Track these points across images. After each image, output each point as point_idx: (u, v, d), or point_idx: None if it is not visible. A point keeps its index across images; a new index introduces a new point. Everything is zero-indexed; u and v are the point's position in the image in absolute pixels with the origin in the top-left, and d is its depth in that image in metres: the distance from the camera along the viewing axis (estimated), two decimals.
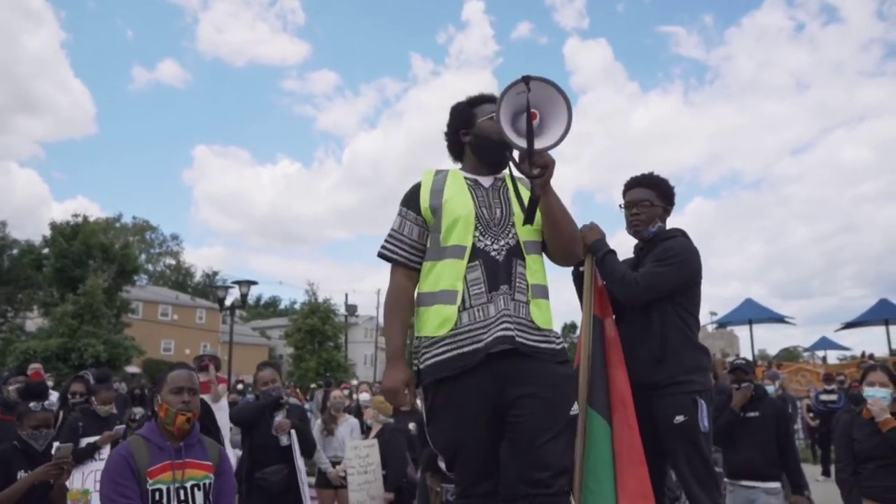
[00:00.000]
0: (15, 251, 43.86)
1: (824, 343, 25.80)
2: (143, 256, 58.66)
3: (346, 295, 41.27)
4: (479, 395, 2.29)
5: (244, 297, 18.36)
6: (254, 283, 18.58)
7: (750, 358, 23.20)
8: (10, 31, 69.62)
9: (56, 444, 3.86)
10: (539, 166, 2.20)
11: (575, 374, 2.39)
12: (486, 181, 2.53)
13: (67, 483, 4.13)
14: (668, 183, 3.27)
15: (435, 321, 2.37)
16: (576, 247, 2.54)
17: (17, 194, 76.83)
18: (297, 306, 54.46)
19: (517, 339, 2.29)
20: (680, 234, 3.17)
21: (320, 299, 39.96)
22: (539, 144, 2.18)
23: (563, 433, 2.31)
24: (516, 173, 2.46)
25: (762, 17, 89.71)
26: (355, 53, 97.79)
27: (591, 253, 3.12)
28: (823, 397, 11.35)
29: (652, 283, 2.94)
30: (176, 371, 2.92)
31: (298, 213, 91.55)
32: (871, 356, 17.55)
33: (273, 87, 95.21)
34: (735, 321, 22.07)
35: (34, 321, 36.18)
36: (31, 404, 4.04)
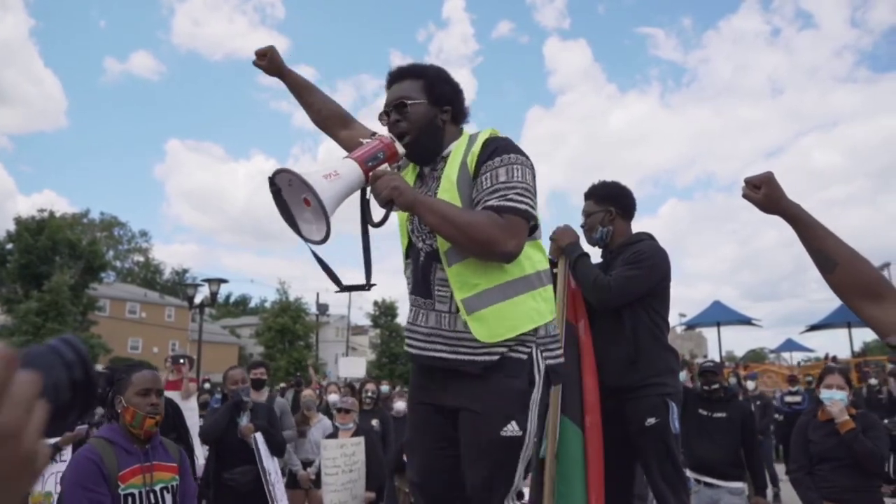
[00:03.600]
0: None
1: (790, 345, 26.27)
2: (111, 253, 57.69)
3: (318, 294, 40.95)
4: (425, 408, 2.28)
5: (214, 295, 18.10)
6: (224, 281, 18.33)
7: (717, 359, 23.54)
8: None
9: None
10: (384, 203, 2.01)
11: (521, 388, 2.08)
12: (427, 169, 2.32)
13: None
14: (607, 187, 3.29)
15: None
16: (473, 248, 2.02)
17: None
18: (267, 305, 54.02)
19: (432, 355, 2.16)
20: (647, 238, 3.20)
21: (291, 298, 39.69)
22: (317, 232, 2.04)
23: (482, 460, 2.08)
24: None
25: (739, 21, 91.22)
26: (334, 49, 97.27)
27: (565, 256, 3.14)
28: (788, 398, 11.54)
29: (624, 286, 2.96)
30: (141, 372, 2.82)
31: (272, 210, 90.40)
32: (834, 358, 17.91)
33: (249, 82, 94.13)
34: (703, 323, 22.34)
35: None
36: None
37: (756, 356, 43.02)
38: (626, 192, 3.31)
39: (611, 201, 3.25)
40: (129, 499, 2.60)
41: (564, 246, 3.15)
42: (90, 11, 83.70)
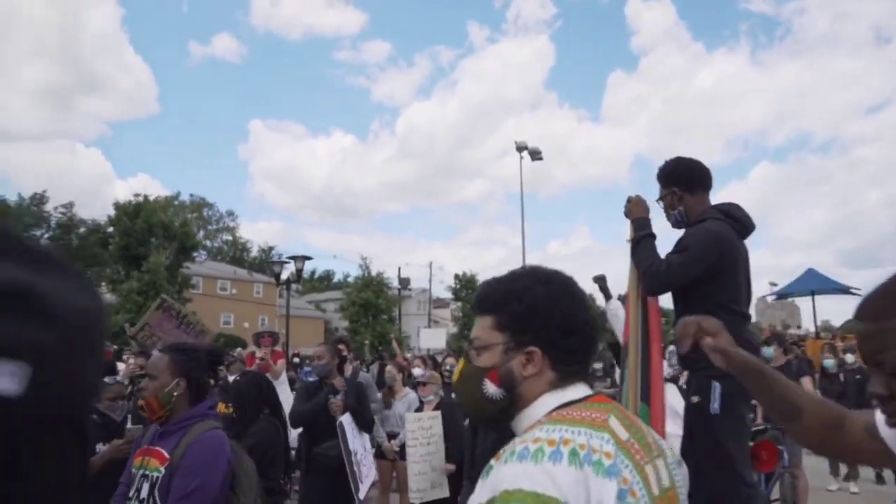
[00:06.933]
0: (82, 230, 45.76)
1: None
2: (202, 233, 60.27)
3: (399, 268, 41.54)
4: None
5: (299, 271, 18.68)
6: (308, 258, 18.89)
7: (812, 330, 22.57)
8: (72, 12, 71.81)
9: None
10: None
11: None
12: None
13: None
14: (667, 167, 3.19)
15: None
16: None
17: (83, 174, 79.69)
18: (350, 279, 55.31)
19: None
20: (710, 218, 3.05)
21: (373, 273, 40.47)
22: None
23: None
24: None
25: None
26: (410, 22, 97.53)
27: (633, 230, 3.12)
28: None
29: (669, 275, 2.94)
30: None
31: (353, 186, 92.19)
32: None
33: (327, 59, 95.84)
34: (796, 292, 21.42)
35: (103, 297, 37.66)
36: (106, 379, 4.29)
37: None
38: (688, 166, 3.19)
39: (673, 181, 3.16)
40: (133, 478, 2.65)
41: (632, 220, 3.12)
42: None
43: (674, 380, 3.55)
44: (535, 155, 24.21)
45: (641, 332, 3.03)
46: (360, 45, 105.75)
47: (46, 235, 50.00)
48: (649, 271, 2.96)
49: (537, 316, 1.26)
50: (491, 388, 1.28)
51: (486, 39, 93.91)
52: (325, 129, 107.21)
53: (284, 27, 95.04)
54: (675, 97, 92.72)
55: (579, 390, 1.26)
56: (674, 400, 3.45)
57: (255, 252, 67.97)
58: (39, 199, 52.10)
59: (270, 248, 65.69)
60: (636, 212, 3.13)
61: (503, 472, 1.10)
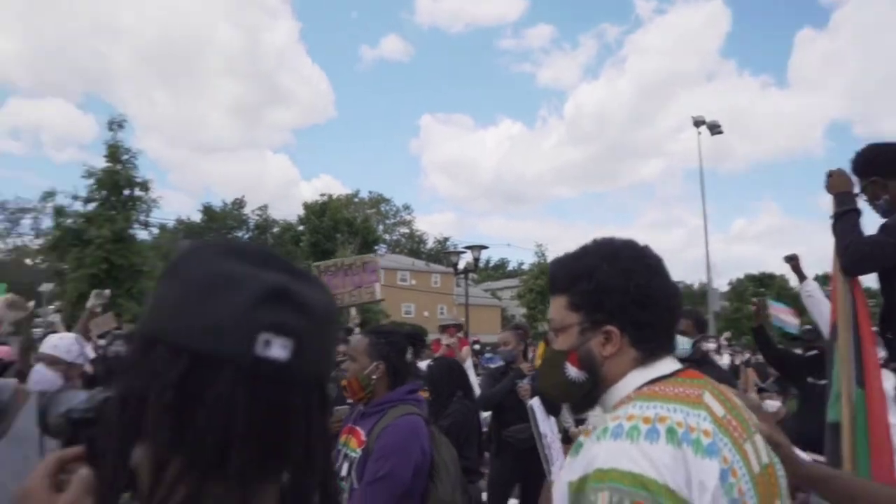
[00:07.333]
0: (276, 229, 50.08)
1: None
2: (381, 227, 63.43)
3: None
4: None
5: (476, 260, 19.09)
6: (484, 247, 19.24)
7: None
8: (255, 31, 78.50)
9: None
10: None
11: None
12: None
13: None
14: (861, 157, 2.92)
15: None
16: None
17: (274, 179, 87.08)
18: (525, 267, 55.61)
19: None
20: None
21: (549, 259, 40.38)
22: None
23: None
24: None
25: None
26: (571, 2, 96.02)
27: (835, 205, 2.90)
28: None
29: (869, 254, 2.71)
30: None
31: (522, 173, 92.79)
32: None
33: (490, 48, 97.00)
34: None
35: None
36: None
37: None
38: (885, 151, 2.91)
39: (872, 170, 2.90)
40: (337, 455, 2.64)
41: (834, 195, 2.89)
42: (342, 3, 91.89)
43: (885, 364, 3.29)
44: (715, 129, 22.84)
45: (852, 313, 2.83)
46: (523, 32, 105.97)
47: (246, 236, 55.31)
48: (849, 249, 2.76)
49: (609, 293, 1.20)
50: (573, 371, 1.24)
51: (654, 11, 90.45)
52: (493, 118, 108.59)
53: (447, 21, 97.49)
54: (877, 52, 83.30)
55: (667, 365, 1.20)
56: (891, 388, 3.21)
57: (430, 243, 70.44)
58: (239, 204, 57.86)
59: (445, 239, 67.83)
60: (838, 185, 2.90)
61: (596, 450, 1.06)
